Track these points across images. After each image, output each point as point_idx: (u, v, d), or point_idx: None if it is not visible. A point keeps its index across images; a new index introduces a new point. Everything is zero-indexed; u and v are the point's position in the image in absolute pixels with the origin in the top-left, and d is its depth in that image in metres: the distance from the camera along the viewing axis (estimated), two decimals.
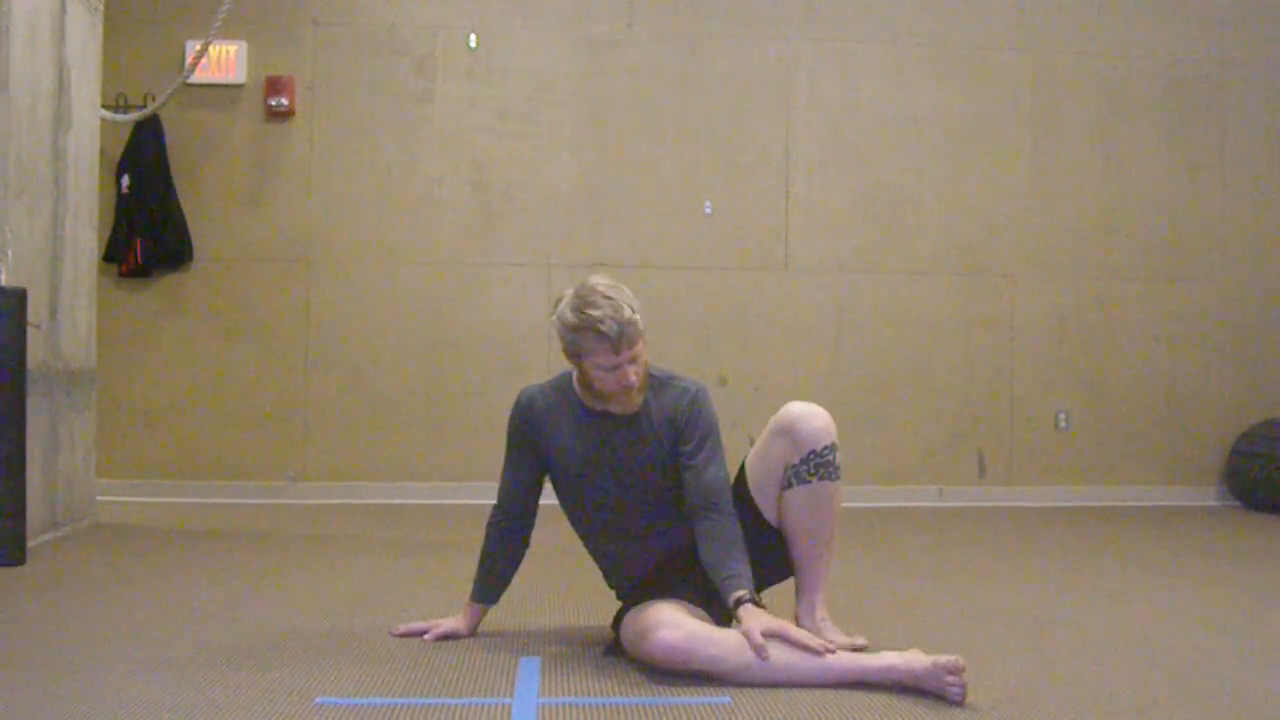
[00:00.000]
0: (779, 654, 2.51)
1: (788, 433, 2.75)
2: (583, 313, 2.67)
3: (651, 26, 6.63)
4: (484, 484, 3.06)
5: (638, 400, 2.77)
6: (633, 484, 2.82)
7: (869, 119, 6.74)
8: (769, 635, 2.51)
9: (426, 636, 2.94)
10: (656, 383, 2.83)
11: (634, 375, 2.70)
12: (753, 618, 2.53)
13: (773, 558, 2.82)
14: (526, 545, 2.99)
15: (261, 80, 6.40)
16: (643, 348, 2.71)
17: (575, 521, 2.97)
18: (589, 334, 2.66)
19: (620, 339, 2.65)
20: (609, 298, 2.67)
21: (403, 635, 2.98)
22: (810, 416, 2.75)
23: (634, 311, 2.67)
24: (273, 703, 2.36)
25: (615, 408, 2.78)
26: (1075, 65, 6.86)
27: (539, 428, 2.88)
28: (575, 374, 2.82)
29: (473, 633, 2.99)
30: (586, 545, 2.99)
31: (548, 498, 3.00)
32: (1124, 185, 6.89)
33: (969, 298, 6.77)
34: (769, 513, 2.79)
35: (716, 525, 2.69)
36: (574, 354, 2.74)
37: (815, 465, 2.73)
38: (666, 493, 2.82)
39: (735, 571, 2.63)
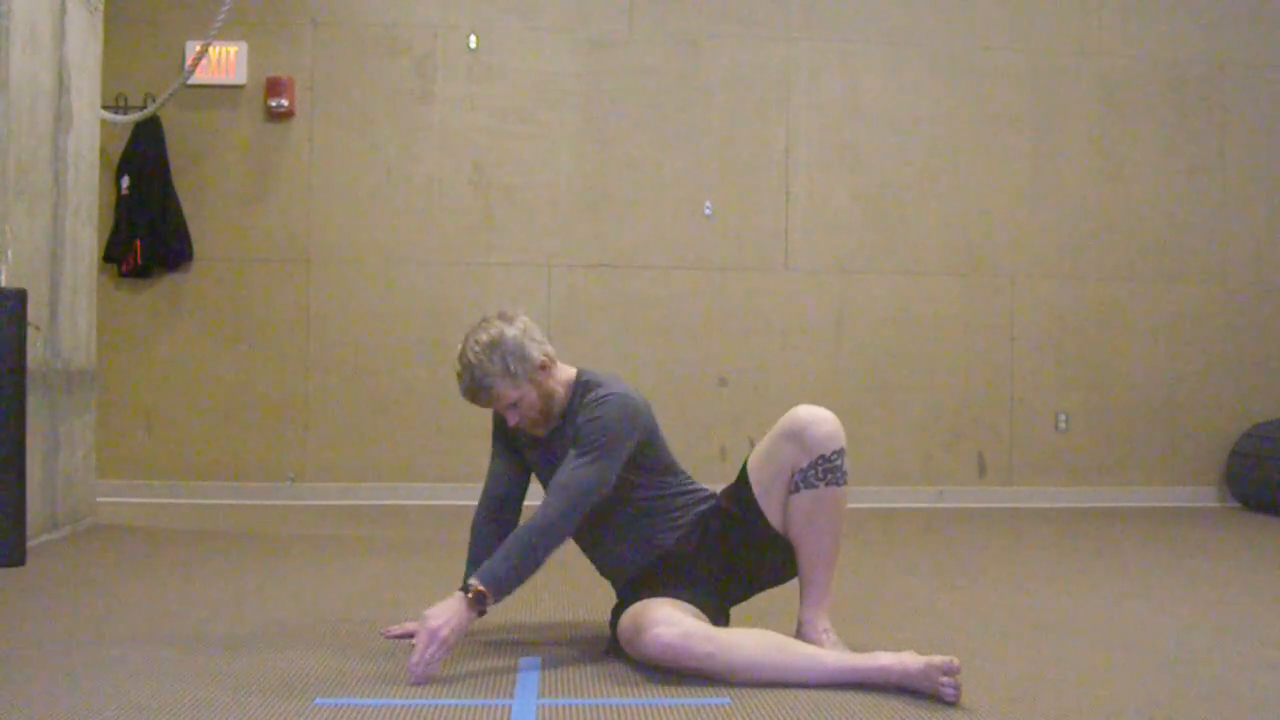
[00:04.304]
0: (774, 655, 2.52)
1: (796, 437, 2.73)
2: (457, 359, 2.80)
3: (651, 26, 6.63)
4: (483, 484, 3.07)
5: (541, 430, 2.86)
6: None
7: (869, 119, 6.74)
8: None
9: None
10: (584, 389, 2.85)
11: (512, 419, 2.82)
12: (442, 610, 2.58)
13: (774, 562, 2.82)
14: None
15: (261, 81, 6.40)
16: (514, 399, 2.77)
17: None
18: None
19: (469, 399, 2.81)
20: (470, 362, 2.76)
21: (396, 637, 2.97)
22: (820, 421, 2.74)
23: (489, 376, 2.74)
24: (272, 703, 2.36)
25: (525, 430, 2.88)
26: (1075, 65, 6.87)
27: (508, 428, 2.94)
28: None
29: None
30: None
31: (540, 498, 3.01)
32: (1124, 185, 6.89)
33: (969, 298, 6.77)
34: (773, 517, 2.77)
35: (534, 515, 2.70)
36: None
37: (824, 470, 2.71)
38: (620, 499, 2.81)
39: (491, 564, 2.64)
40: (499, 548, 2.68)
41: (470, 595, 2.58)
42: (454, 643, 2.57)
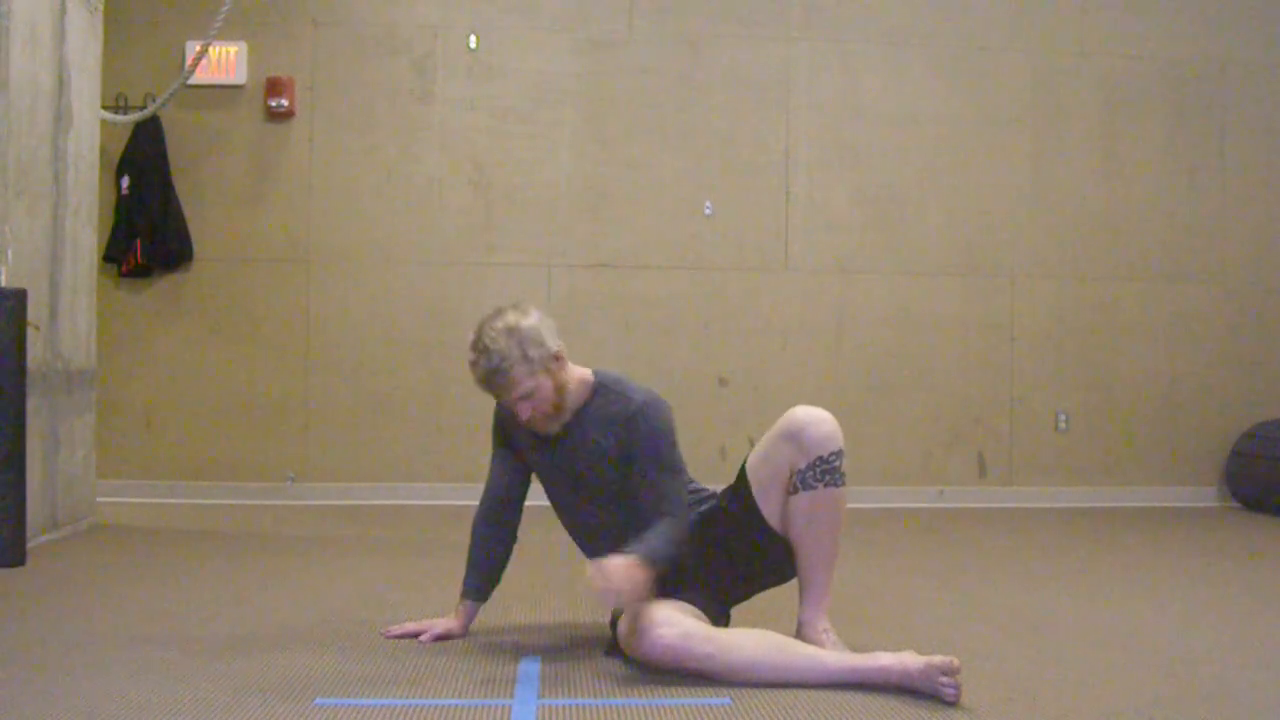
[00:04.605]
0: (774, 655, 2.52)
1: (795, 437, 2.74)
2: (471, 347, 2.77)
3: (651, 26, 6.63)
4: (483, 485, 3.07)
5: (552, 427, 2.83)
6: (585, 489, 2.86)
7: (869, 119, 6.74)
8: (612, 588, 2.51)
9: (422, 638, 2.95)
10: (602, 390, 2.85)
11: (525, 411, 2.77)
12: (613, 565, 2.53)
13: (773, 562, 2.82)
14: (513, 539, 3.01)
15: (261, 81, 6.40)
16: (529, 388, 2.75)
17: (560, 521, 3.01)
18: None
19: (485, 386, 2.78)
20: (486, 346, 2.74)
21: (396, 637, 2.97)
22: (818, 422, 2.74)
23: (507, 360, 2.71)
24: (272, 703, 2.36)
25: (535, 427, 2.84)
26: (1075, 65, 6.86)
27: (511, 428, 2.92)
28: None
29: (466, 632, 3.00)
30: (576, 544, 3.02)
31: (540, 499, 3.02)
32: (1124, 185, 6.89)
33: (969, 298, 6.77)
34: (772, 518, 2.77)
35: (663, 522, 2.70)
36: None
37: (822, 471, 2.71)
38: (626, 498, 2.82)
39: (645, 539, 2.65)
40: (651, 535, 2.65)
41: (640, 559, 2.57)
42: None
